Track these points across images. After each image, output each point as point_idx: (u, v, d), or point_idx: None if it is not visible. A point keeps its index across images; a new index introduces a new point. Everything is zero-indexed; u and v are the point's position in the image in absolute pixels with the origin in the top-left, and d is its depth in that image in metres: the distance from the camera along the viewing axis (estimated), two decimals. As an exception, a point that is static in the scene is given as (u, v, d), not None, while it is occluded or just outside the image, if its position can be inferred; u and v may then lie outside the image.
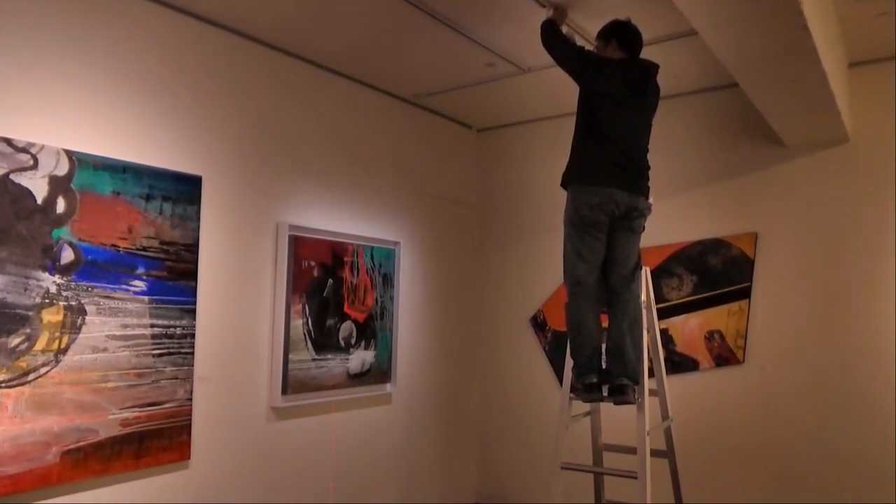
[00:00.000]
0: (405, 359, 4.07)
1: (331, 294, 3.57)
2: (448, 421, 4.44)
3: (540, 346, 4.41)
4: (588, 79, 2.62)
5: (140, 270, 2.72)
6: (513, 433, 4.48)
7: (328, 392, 3.52)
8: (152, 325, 2.75)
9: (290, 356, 3.32)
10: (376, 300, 3.84)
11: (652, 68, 2.67)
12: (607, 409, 3.00)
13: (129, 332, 2.68)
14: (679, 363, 3.82)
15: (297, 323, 3.37)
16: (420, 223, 4.28)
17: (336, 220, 3.67)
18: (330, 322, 3.55)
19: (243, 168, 3.22)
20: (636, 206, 2.62)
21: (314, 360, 3.45)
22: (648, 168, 2.70)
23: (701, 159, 3.86)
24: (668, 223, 3.83)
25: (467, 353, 4.64)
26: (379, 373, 3.84)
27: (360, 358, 3.72)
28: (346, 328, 3.65)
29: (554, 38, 2.69)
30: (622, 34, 2.68)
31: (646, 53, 2.79)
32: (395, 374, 3.93)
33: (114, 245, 2.64)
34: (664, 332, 3.80)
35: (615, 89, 2.58)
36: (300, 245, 3.40)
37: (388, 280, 3.92)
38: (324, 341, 3.51)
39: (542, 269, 4.38)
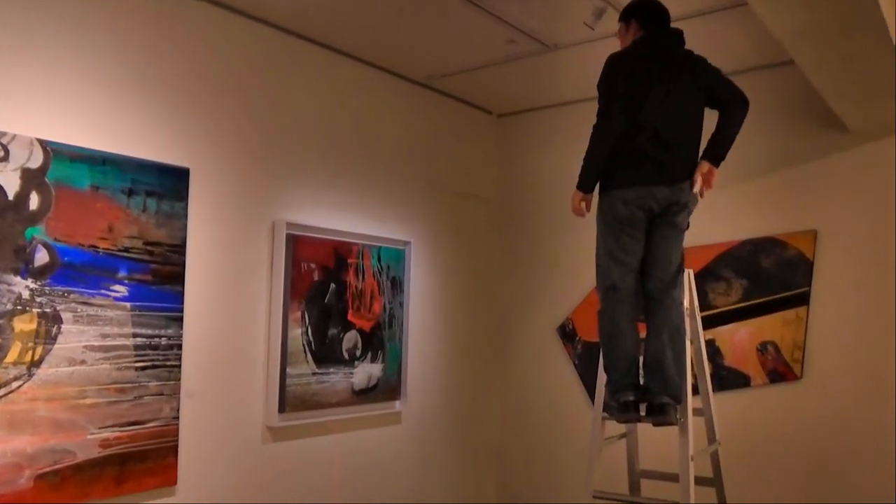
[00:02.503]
0: (417, 373, 4.07)
1: (333, 300, 3.58)
2: (465, 443, 4.43)
3: (569, 358, 4.39)
4: (614, 97, 2.60)
5: (121, 274, 2.75)
6: (538, 457, 4.46)
7: (330, 410, 3.53)
8: (135, 335, 2.78)
9: (288, 370, 3.33)
10: (384, 307, 3.85)
11: (674, 34, 2.67)
12: (645, 430, 2.98)
13: (110, 342, 2.70)
14: (727, 379, 3.79)
15: (296, 332, 3.38)
16: (433, 221, 4.28)
17: (339, 218, 3.68)
18: (332, 331, 3.56)
19: (236, 159, 3.23)
20: (678, 200, 2.60)
21: (315, 374, 3.46)
22: (695, 154, 2.67)
23: (751, 147, 3.81)
24: (715, 220, 3.80)
25: (487, 366, 4.63)
26: (387, 389, 3.84)
27: (367, 372, 3.73)
28: (351, 338, 3.66)
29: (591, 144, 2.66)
30: (641, 11, 2.71)
31: (688, 26, 2.77)
32: (406, 391, 3.94)
33: (93, 245, 2.67)
34: (710, 343, 3.77)
35: (639, 75, 2.58)
36: (299, 245, 3.41)
37: (397, 284, 3.93)
38: (325, 353, 3.52)
39: (572, 273, 4.36)
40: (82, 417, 2.62)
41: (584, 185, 2.69)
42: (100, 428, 2.66)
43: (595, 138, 2.64)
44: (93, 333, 2.65)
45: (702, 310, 3.43)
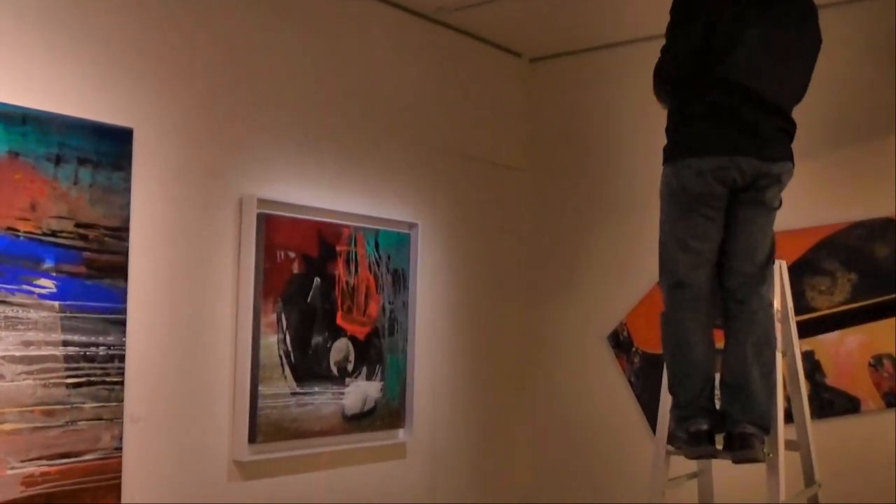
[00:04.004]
0: (425, 393, 4.09)
1: (318, 299, 3.60)
2: (489, 483, 4.45)
3: (623, 375, 4.40)
4: (685, 25, 2.65)
5: (48, 264, 2.77)
6: (583, 501, 4.47)
7: (315, 440, 3.56)
8: (65, 343, 2.80)
9: (261, 389, 3.36)
10: (383, 308, 3.86)
11: None
12: (723, 468, 2.99)
13: (34, 351, 2.73)
14: (831, 402, 3.78)
15: (270, 340, 3.41)
16: (446, 197, 4.29)
17: (325, 193, 3.69)
18: (317, 340, 3.59)
19: (192, 117, 3.25)
20: (768, 171, 2.60)
21: (295, 394, 3.49)
22: (794, 124, 2.67)
23: (862, 99, 3.79)
24: (815, 195, 3.78)
25: (517, 385, 4.65)
26: (388, 413, 3.87)
27: (361, 391, 3.75)
28: (340, 349, 3.68)
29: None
30: None
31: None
32: (412, 416, 3.96)
33: (11, 228, 2.69)
34: (809, 356, 3.76)
35: (729, 8, 2.58)
36: (274, 228, 3.44)
37: (400, 279, 3.95)
38: (308, 367, 3.55)
39: (627, 264, 4.36)
40: (0, 447, 2.65)
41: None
42: (22, 461, 2.69)
43: (655, 83, 2.71)
44: (12, 341, 2.68)
45: (798, 313, 3.42)
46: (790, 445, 2.88)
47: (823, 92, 3.79)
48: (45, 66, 2.84)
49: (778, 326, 2.74)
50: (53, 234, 2.79)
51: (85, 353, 2.85)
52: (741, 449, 2.58)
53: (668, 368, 2.77)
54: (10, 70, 2.76)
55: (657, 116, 2.82)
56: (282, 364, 3.44)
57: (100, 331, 2.89)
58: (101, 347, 2.90)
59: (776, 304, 2.77)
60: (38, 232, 2.76)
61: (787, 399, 2.98)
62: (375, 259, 3.84)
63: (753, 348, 2.63)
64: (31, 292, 2.73)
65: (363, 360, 3.76)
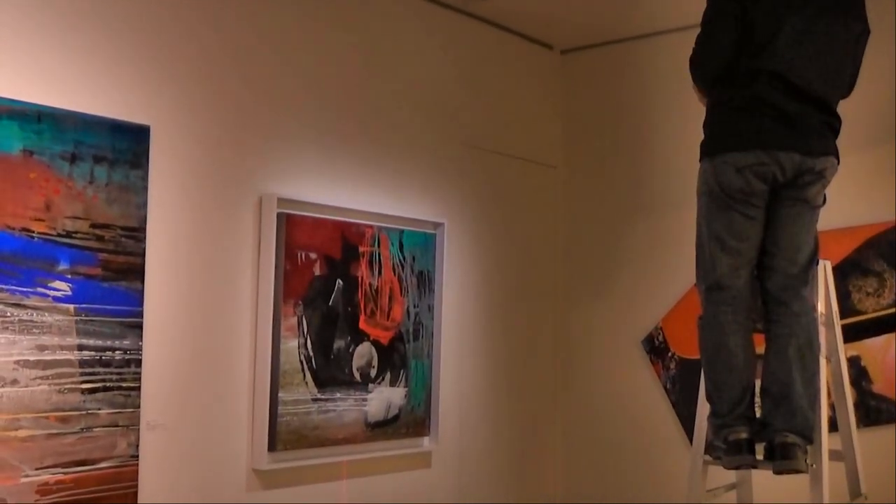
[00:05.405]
0: (451, 401, 4.10)
1: (340, 302, 3.61)
2: (517, 493, 4.44)
3: (658, 382, 4.38)
4: (720, 19, 2.66)
5: (63, 266, 2.80)
6: (616, 515, 4.47)
7: (337, 448, 3.57)
8: (81, 347, 2.83)
9: (281, 395, 3.38)
10: (407, 312, 3.87)
11: None
12: (764, 479, 2.98)
13: (49, 356, 2.76)
14: (878, 410, 3.75)
15: (291, 345, 3.43)
16: (474, 195, 4.29)
17: (348, 191, 3.71)
18: (339, 344, 3.60)
19: (211, 114, 3.27)
20: (811, 167, 2.59)
21: (316, 400, 3.50)
22: (838, 118, 2.65)
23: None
24: (860, 193, 3.75)
25: (547, 392, 4.64)
26: (412, 421, 3.88)
27: (385, 398, 3.77)
28: (364, 353, 3.70)
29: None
30: None
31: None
32: (437, 424, 3.96)
33: (25, 229, 2.72)
34: (854, 361, 3.73)
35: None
36: (295, 228, 3.46)
37: (425, 281, 3.95)
38: (330, 373, 3.56)
39: (663, 264, 4.34)
40: (14, 454, 2.68)
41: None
42: (37, 469, 2.72)
43: (692, 76, 2.69)
44: (27, 345, 2.71)
45: (843, 316, 3.39)
46: (834, 455, 2.87)
47: (871, 85, 3.76)
48: (60, 62, 2.88)
49: (822, 330, 2.72)
50: (68, 234, 2.82)
51: (101, 357, 2.88)
52: (783, 459, 2.57)
53: (706, 374, 2.76)
54: (25, 67, 2.79)
55: (695, 110, 2.82)
56: (302, 369, 3.46)
57: (116, 334, 2.92)
58: (117, 352, 2.92)
59: (820, 306, 2.75)
60: (53, 233, 2.79)
61: (832, 407, 2.96)
62: (399, 260, 3.85)
63: (796, 353, 2.62)
64: (46, 295, 2.76)
65: (387, 365, 3.78)
